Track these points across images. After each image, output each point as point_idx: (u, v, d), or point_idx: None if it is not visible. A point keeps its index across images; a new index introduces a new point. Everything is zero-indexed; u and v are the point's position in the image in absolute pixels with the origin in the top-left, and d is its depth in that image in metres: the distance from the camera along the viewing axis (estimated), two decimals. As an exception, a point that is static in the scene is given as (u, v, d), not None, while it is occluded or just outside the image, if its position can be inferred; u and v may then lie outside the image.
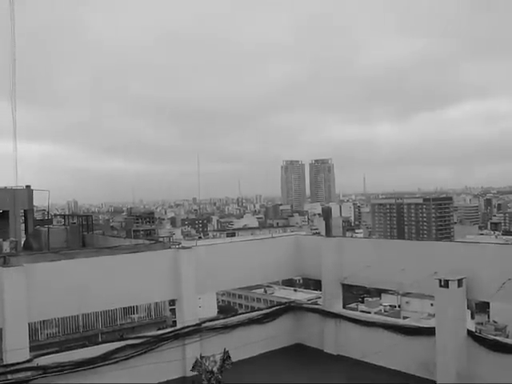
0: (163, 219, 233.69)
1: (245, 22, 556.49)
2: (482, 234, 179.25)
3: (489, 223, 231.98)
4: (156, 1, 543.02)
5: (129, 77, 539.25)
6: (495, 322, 72.15)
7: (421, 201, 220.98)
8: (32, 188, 33.55)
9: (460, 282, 10.67)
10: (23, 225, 34.13)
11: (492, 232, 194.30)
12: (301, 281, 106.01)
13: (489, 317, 76.88)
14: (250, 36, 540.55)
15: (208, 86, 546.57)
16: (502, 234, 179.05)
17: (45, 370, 10.64)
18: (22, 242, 31.97)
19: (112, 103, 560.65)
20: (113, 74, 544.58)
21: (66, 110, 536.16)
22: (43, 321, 19.61)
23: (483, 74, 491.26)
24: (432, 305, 54.74)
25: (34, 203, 34.70)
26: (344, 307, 14.66)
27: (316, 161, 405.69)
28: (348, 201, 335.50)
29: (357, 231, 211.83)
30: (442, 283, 10.67)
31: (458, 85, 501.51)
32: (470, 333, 10.99)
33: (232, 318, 13.85)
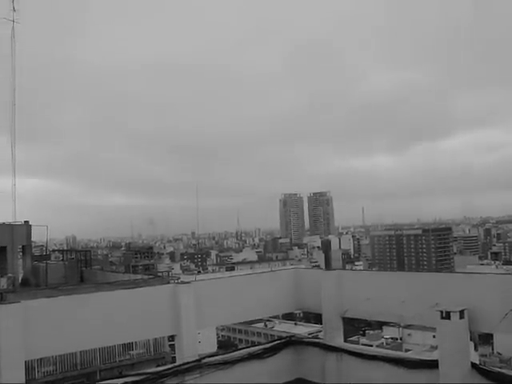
0: (162, 254, 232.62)
1: (242, 52, 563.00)
2: (482, 264, 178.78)
3: (489, 253, 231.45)
4: (151, 32, 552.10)
5: (127, 110, 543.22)
6: (500, 353, 71.30)
7: (420, 232, 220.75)
8: (30, 223, 33.52)
9: (462, 314, 10.57)
10: (21, 260, 33.98)
11: (492, 262, 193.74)
12: (301, 314, 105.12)
13: (493, 348, 76.04)
14: (246, 68, 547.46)
15: (205, 119, 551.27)
16: (503, 264, 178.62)
17: (41, 409, 10.43)
18: (20, 278, 31.78)
19: (110, 137, 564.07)
20: (111, 108, 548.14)
21: (63, 145, 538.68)
22: (40, 358, 19.34)
23: (481, 102, 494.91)
24: (434, 337, 54.12)
25: (33, 238, 34.65)
26: (345, 340, 14.46)
27: (314, 193, 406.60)
28: (347, 233, 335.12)
29: (356, 263, 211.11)
30: (444, 315, 10.57)
31: (456, 114, 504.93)
32: (474, 365, 10.82)
33: (232, 354, 13.64)
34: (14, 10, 34.21)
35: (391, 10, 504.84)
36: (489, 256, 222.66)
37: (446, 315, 10.54)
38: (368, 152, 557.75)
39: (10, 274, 28.72)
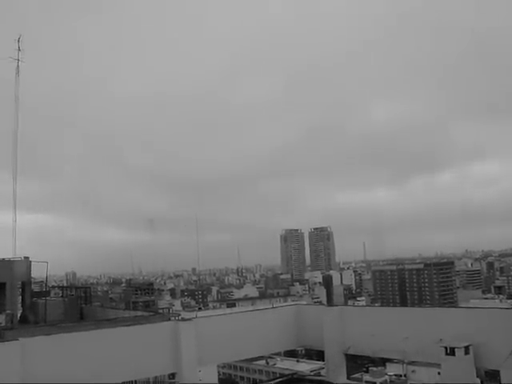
0: (162, 290, 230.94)
1: (240, 84, 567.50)
2: (485, 298, 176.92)
3: (492, 287, 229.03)
4: (150, 65, 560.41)
5: (127, 145, 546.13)
6: (506, 391, 69.79)
7: (422, 266, 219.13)
8: (30, 259, 33.31)
9: (467, 350, 10.42)
10: (20, 297, 33.65)
11: (496, 296, 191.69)
12: (303, 351, 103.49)
13: (499, 386, 74.45)
14: (244, 100, 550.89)
15: (205, 153, 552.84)
16: (507, 298, 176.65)
17: None
18: (19, 315, 31.45)
19: (110, 173, 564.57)
20: (111, 143, 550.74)
21: (64, 180, 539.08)
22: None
23: (480, 135, 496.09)
24: (439, 373, 53.06)
25: (32, 274, 34.34)
26: (348, 378, 14.24)
27: (315, 229, 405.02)
28: (348, 268, 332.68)
29: (358, 299, 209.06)
30: (448, 351, 10.41)
31: (455, 147, 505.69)
32: (480, 403, 10.60)
33: (233, 392, 13.41)
34: (19, 49, 34.87)
35: (390, 39, 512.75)
36: (492, 290, 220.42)
37: (451, 351, 10.39)
38: (368, 185, 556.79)
39: (8, 311, 28.37)
